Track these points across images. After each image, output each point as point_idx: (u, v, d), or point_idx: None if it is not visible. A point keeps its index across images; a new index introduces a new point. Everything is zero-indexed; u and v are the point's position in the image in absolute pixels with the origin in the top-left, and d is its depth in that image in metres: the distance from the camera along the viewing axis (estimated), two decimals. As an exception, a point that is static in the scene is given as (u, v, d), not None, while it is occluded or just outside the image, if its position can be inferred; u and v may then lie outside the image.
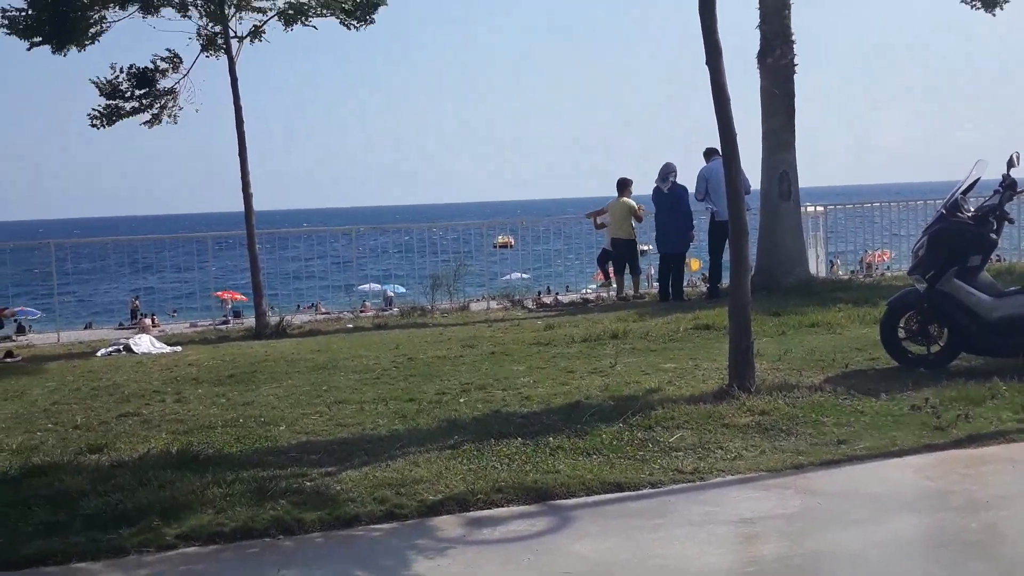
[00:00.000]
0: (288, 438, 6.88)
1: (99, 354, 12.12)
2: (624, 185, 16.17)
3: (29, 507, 5.44)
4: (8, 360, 11.85)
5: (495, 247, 21.03)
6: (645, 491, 5.56)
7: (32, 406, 8.61)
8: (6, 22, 13.65)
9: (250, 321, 15.54)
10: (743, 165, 7.98)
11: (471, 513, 5.30)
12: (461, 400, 7.90)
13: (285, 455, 6.39)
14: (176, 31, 14.58)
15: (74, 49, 14.12)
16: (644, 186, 15.99)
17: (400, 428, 7.05)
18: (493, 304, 16.68)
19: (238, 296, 24.57)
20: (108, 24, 14.26)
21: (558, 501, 5.45)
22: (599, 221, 17.12)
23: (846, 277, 17.38)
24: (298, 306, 20.01)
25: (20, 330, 18.98)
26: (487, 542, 4.91)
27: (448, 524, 5.16)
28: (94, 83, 14.36)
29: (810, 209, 17.43)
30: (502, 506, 5.39)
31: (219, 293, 21.34)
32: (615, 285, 16.54)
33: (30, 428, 7.65)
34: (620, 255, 16.27)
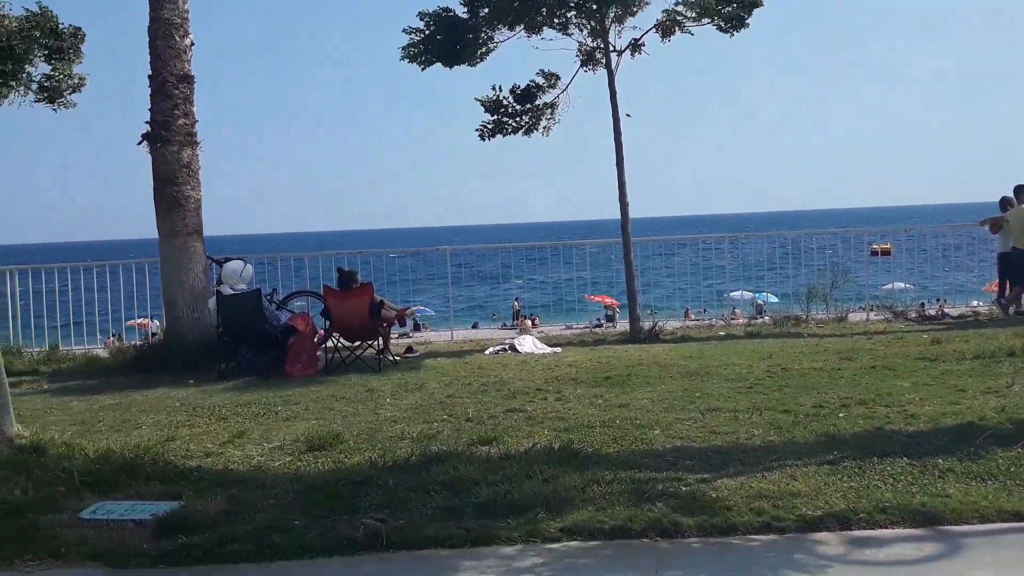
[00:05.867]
0: (663, 442, 7.01)
1: (487, 352, 12.98)
2: (1022, 191, 14.89)
3: (428, 492, 5.89)
4: (408, 355, 13.00)
5: (872, 254, 20.05)
6: (1050, 524, 5.09)
7: (430, 398, 9.39)
8: (406, 54, 15.01)
9: (624, 325, 15.95)
10: None
11: (852, 532, 5.12)
12: (840, 415, 7.64)
13: (660, 458, 6.51)
14: (556, 49, 15.32)
15: (465, 66, 15.26)
16: None
17: (775, 439, 6.95)
18: (872, 315, 15.93)
19: (609, 300, 25.24)
20: (496, 45, 15.27)
21: (947, 527, 5.12)
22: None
23: None
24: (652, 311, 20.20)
25: (416, 327, 20.74)
26: (870, 563, 4.72)
27: (828, 541, 5.02)
28: (479, 101, 15.41)
29: None
30: (886, 527, 5.15)
31: (591, 297, 22.02)
32: (1006, 300, 15.21)
33: (428, 419, 8.34)
34: (1020, 266, 14.96)
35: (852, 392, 8.54)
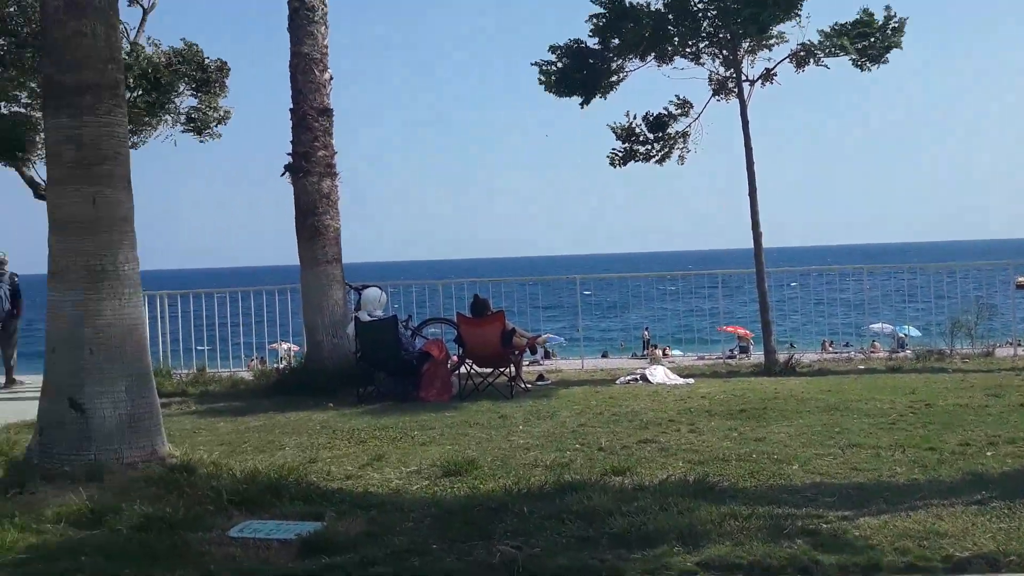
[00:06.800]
0: (801, 477, 6.88)
1: (618, 382, 12.95)
2: None
3: (562, 521, 5.90)
4: (539, 383, 13.08)
5: (1018, 287, 19.20)
6: None
7: (562, 427, 9.43)
8: (543, 79, 15.22)
9: (758, 356, 15.70)
10: None
11: (1002, 575, 4.93)
12: (988, 453, 7.37)
13: (799, 494, 6.40)
14: (687, 78, 15.27)
15: (597, 98, 15.37)
16: None
17: (919, 477, 6.74)
18: (1021, 351, 15.26)
19: (742, 331, 24.85)
20: (626, 74, 15.34)
21: (1108, 574, 4.89)
22: None
23: None
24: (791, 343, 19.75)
25: (546, 355, 20.82)
26: (1022, 609, 4.54)
27: (976, 584, 4.85)
28: (612, 128, 15.47)
29: None
30: (1037, 571, 4.95)
31: (726, 328, 21.73)
32: None
33: (560, 447, 8.37)
34: None
35: (1000, 430, 8.22)
